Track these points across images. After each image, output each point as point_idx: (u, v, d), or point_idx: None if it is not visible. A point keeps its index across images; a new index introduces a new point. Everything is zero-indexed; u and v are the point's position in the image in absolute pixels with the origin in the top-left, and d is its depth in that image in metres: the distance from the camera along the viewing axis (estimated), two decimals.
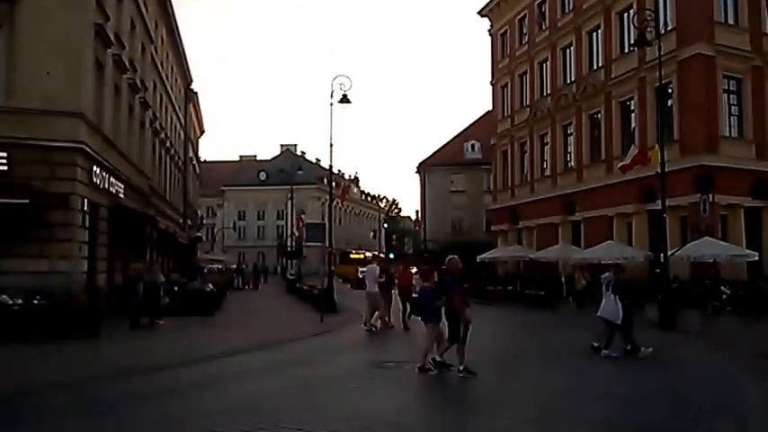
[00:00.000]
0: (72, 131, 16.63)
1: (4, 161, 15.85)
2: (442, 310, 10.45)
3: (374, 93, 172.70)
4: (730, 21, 26.39)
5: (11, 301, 14.34)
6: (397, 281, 19.23)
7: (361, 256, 63.44)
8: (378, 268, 19.21)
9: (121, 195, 21.54)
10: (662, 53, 20.92)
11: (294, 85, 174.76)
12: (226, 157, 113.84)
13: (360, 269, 18.38)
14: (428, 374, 10.27)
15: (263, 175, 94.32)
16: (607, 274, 13.32)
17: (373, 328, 17.80)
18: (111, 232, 20.29)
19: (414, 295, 16.18)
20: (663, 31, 24.28)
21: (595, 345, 12.63)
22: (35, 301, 14.74)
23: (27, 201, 15.49)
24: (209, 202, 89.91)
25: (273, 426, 6.80)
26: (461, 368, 9.98)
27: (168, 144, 35.65)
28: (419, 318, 10.67)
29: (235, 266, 52.69)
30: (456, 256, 10.65)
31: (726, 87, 26.06)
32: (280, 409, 7.70)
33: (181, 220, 41.69)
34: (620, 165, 23.55)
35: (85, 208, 17.39)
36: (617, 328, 12.35)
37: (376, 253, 21.43)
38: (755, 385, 10.06)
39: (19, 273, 15.57)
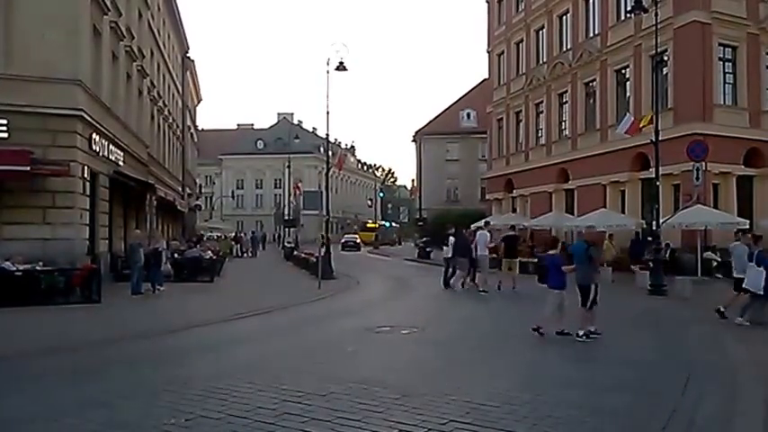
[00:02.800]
0: (71, 99, 16.76)
1: (5, 128, 15.98)
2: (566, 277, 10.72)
3: (371, 61, 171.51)
4: None
5: (14, 267, 14.64)
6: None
7: (376, 225, 79.95)
8: (488, 234, 20.19)
9: (121, 163, 21.73)
10: (658, 20, 21.02)
11: (291, 54, 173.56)
12: (223, 125, 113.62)
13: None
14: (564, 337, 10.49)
15: (260, 144, 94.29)
16: (736, 243, 13.04)
17: (483, 291, 18.42)
18: (111, 199, 20.55)
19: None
20: None
21: (722, 309, 12.70)
22: (38, 267, 15.09)
23: (28, 168, 15.61)
24: (208, 171, 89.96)
25: (272, 385, 7.06)
26: (582, 333, 10.33)
27: (166, 112, 35.72)
28: (544, 285, 10.91)
29: (233, 234, 53.01)
30: (596, 228, 10.86)
31: (721, 55, 26.10)
32: (278, 371, 7.98)
33: (180, 188, 41.91)
34: (621, 131, 23.52)
35: (86, 175, 17.61)
36: (759, 298, 12.13)
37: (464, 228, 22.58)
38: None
39: (21, 239, 15.88)
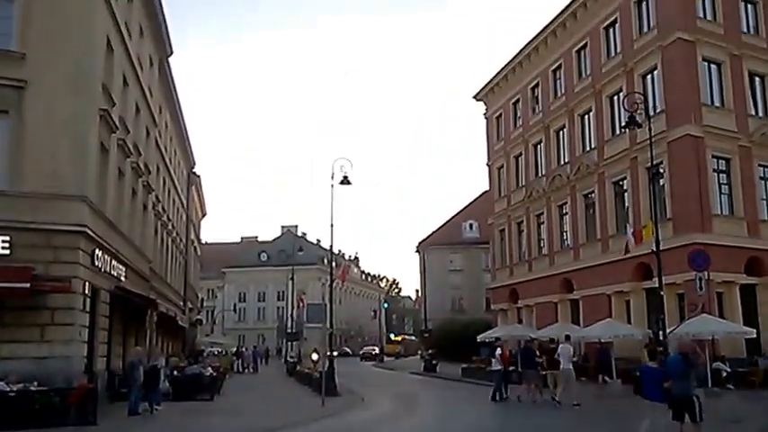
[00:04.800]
0: (75, 215, 16.79)
1: (7, 245, 15.87)
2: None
3: (374, 173, 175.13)
4: (716, 103, 27.23)
5: (8, 388, 14.27)
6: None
7: (400, 338, 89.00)
8: (571, 347, 20.67)
9: (123, 278, 21.67)
10: (652, 134, 21.65)
11: (297, 167, 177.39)
12: (227, 238, 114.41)
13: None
14: None
15: (263, 256, 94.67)
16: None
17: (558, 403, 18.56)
18: (111, 315, 20.33)
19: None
20: (652, 113, 25.10)
21: None
22: (32, 387, 14.70)
23: (28, 285, 15.43)
24: (210, 284, 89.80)
25: None
26: None
27: (170, 226, 36.05)
28: (642, 396, 10.72)
29: (235, 349, 52.24)
30: (689, 339, 10.79)
31: (715, 167, 26.63)
32: None
33: (181, 303, 41.66)
34: (627, 245, 23.80)
35: (87, 291, 17.40)
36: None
37: (533, 337, 24.00)
38: None
39: (19, 358, 15.45)
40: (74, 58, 17.36)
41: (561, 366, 19.18)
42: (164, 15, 27.77)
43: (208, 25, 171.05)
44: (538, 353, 21.59)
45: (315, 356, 31.58)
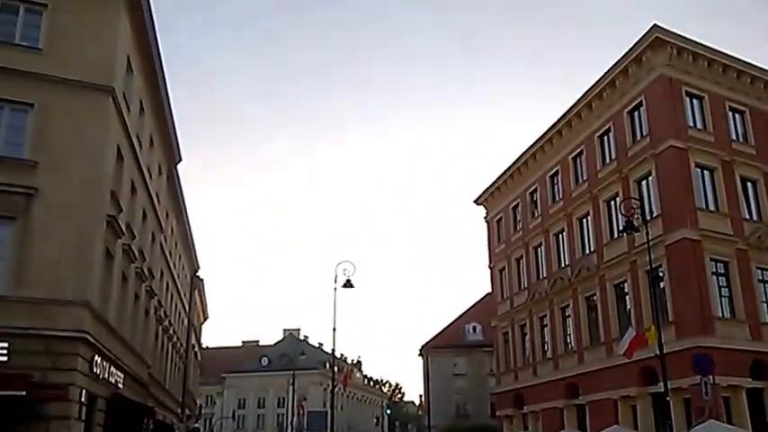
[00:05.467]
0: (76, 320, 16.66)
1: (5, 351, 15.63)
2: None
3: (376, 276, 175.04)
4: (711, 207, 27.66)
5: None
6: None
7: None
8: None
9: (120, 385, 21.40)
10: (650, 238, 22.02)
11: (300, 269, 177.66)
12: (228, 342, 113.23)
13: None
14: None
15: (264, 361, 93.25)
16: None
17: None
18: (107, 424, 19.96)
19: None
20: (649, 218, 25.51)
21: None
22: None
23: (24, 393, 15.15)
24: (210, 390, 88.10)
25: None
26: None
27: (171, 331, 35.89)
28: None
29: None
30: None
31: (714, 270, 26.73)
32: None
33: (179, 410, 40.86)
34: (621, 351, 23.84)
35: (83, 399, 17.07)
36: None
37: None
38: None
39: None
40: (85, 168, 17.73)
41: None
42: (174, 126, 28.81)
43: (218, 131, 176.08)
44: None
45: None
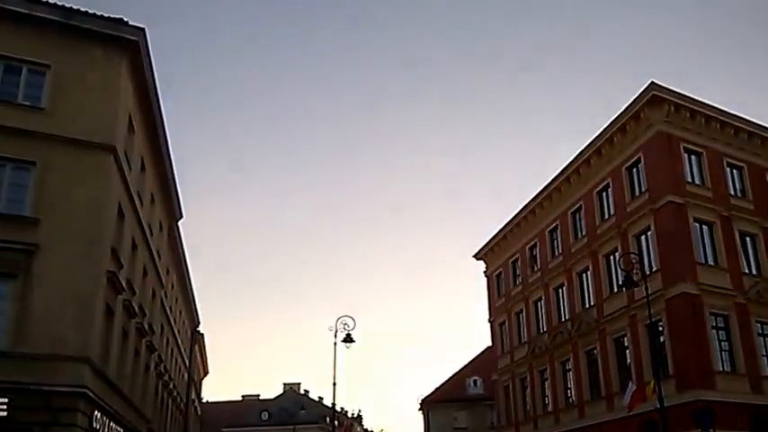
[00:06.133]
0: (76, 376, 16.73)
1: (5, 407, 15.66)
2: None
3: (377, 330, 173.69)
4: (710, 261, 27.81)
5: None
6: None
7: None
8: None
9: None
10: (649, 293, 22.17)
11: (299, 324, 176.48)
12: (229, 396, 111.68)
13: None
14: None
15: (264, 415, 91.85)
16: None
17: None
18: None
19: None
20: (648, 272, 25.69)
21: None
22: None
23: None
24: None
25: None
26: None
27: (171, 386, 35.71)
28: None
29: None
30: None
31: (714, 324, 26.76)
32: None
33: None
34: (624, 403, 23.74)
35: None
36: None
37: None
38: None
39: None
40: (86, 225, 18.01)
41: None
42: (175, 183, 29.16)
43: (218, 185, 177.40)
44: None
45: None
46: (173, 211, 30.98)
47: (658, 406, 20.17)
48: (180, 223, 32.97)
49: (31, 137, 18.02)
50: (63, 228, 17.72)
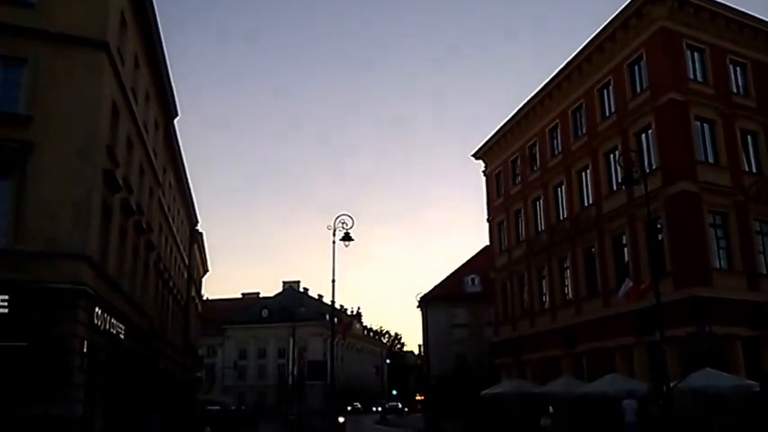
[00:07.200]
0: (76, 274, 16.85)
1: (5, 304, 15.86)
2: None
3: (376, 229, 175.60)
4: (711, 160, 27.61)
5: None
6: None
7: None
8: (635, 402, 22.41)
9: (122, 336, 21.70)
10: (648, 191, 22.07)
11: (298, 223, 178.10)
12: (228, 294, 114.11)
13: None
14: None
15: (265, 313, 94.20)
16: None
17: None
18: (109, 374, 20.27)
19: None
20: (648, 170, 25.49)
21: None
22: None
23: (26, 344, 15.50)
24: (210, 342, 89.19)
25: None
26: None
27: (171, 284, 36.16)
28: None
29: (234, 408, 51.64)
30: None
31: (712, 222, 26.84)
32: None
33: (180, 360, 41.44)
34: (620, 296, 24.14)
35: (84, 350, 17.35)
36: None
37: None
38: None
39: (14, 419, 15.20)
40: (80, 121, 17.76)
41: (626, 419, 20.86)
42: (170, 81, 28.50)
43: (215, 78, 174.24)
44: None
45: (341, 419, 33.89)
46: (168, 110, 30.39)
47: (655, 302, 20.40)
48: (176, 122, 32.45)
49: (22, 33, 17.50)
50: (57, 125, 17.43)
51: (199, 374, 57.42)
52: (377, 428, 46.69)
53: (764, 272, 27.50)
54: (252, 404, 58.12)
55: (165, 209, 32.98)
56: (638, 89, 29.45)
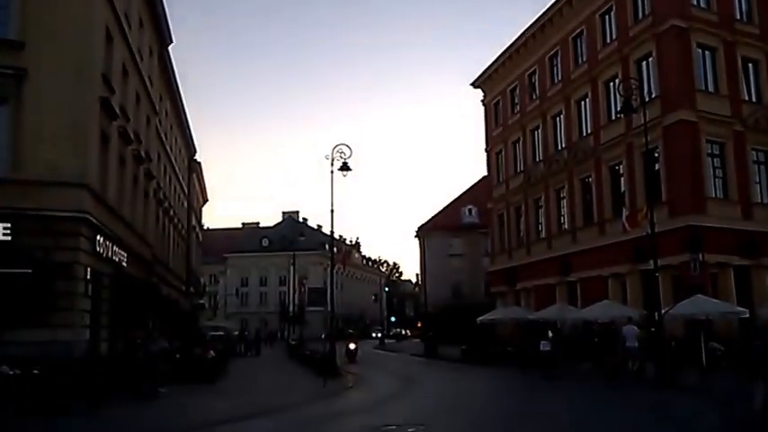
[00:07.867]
0: (76, 202, 16.94)
1: (8, 231, 15.99)
2: None
3: (374, 158, 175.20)
4: (710, 89, 27.46)
5: (10, 372, 14.31)
6: None
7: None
8: (636, 328, 22.50)
9: (124, 264, 22.02)
10: (647, 120, 22.03)
11: (297, 152, 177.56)
12: (229, 224, 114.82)
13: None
14: None
15: (265, 242, 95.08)
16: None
17: None
18: (113, 300, 20.67)
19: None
20: (647, 99, 25.33)
21: None
22: (34, 372, 14.62)
23: (30, 270, 15.71)
24: (212, 270, 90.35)
25: None
26: None
27: (172, 213, 36.40)
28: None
29: (237, 333, 52.84)
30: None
31: (709, 151, 26.90)
32: None
33: (183, 288, 42.13)
34: (621, 225, 24.41)
35: (88, 276, 17.66)
36: None
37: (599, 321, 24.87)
38: None
39: (20, 343, 15.43)
40: (73, 47, 17.48)
41: (627, 344, 21.48)
42: (163, 6, 27.96)
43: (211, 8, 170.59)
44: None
45: (352, 346, 34.64)
46: (162, 36, 29.88)
47: (649, 231, 20.68)
48: (170, 49, 31.95)
49: None
50: (51, 51, 17.15)
51: (202, 301, 58.45)
52: (378, 353, 47.96)
53: (759, 201, 27.72)
54: (254, 329, 59.16)
55: (163, 137, 32.88)
56: (641, 15, 29.01)
